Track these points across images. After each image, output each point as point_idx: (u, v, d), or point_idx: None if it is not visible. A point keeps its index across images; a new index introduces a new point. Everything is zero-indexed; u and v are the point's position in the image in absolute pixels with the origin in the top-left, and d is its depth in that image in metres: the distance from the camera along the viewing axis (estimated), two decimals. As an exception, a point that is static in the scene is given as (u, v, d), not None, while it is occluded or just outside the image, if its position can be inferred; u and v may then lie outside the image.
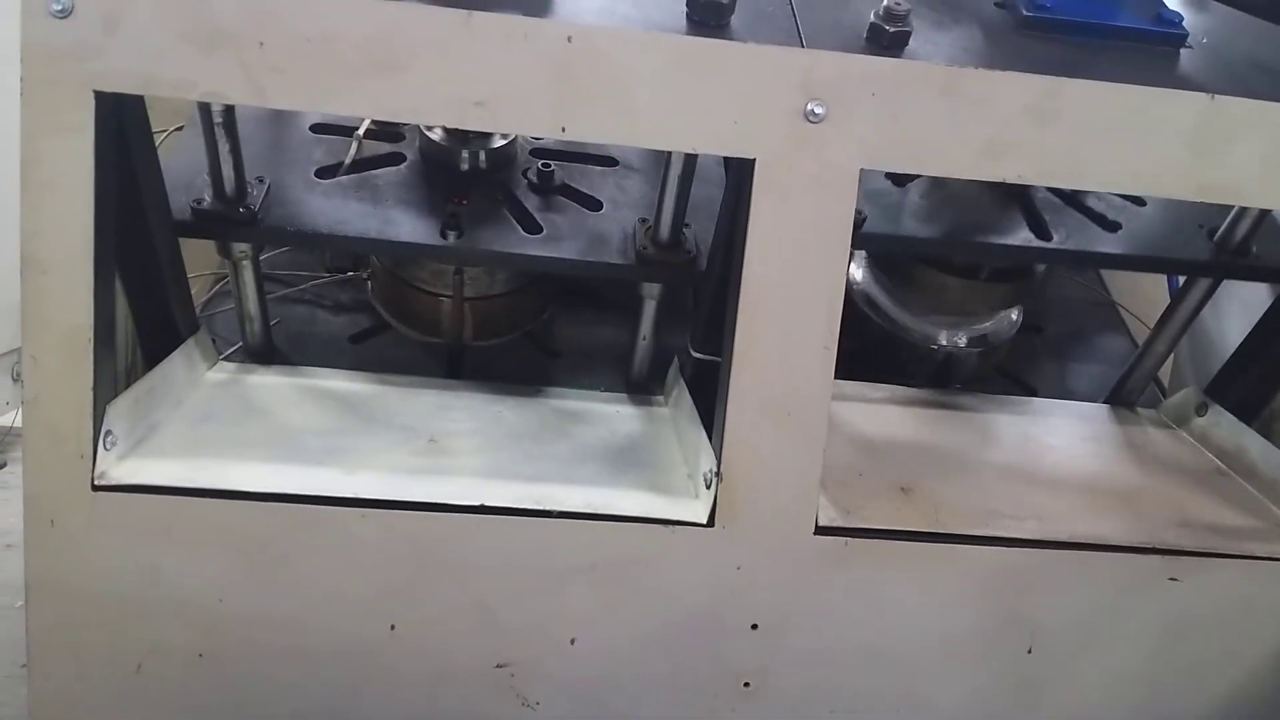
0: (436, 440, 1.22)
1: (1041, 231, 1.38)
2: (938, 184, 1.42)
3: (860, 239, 1.29)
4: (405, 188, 1.37)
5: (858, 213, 1.24)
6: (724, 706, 1.20)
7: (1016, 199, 1.43)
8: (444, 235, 1.29)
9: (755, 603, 1.16)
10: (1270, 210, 1.36)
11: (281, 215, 1.28)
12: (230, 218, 1.25)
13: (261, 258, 1.36)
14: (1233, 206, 1.38)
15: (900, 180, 1.42)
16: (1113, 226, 1.42)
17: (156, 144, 1.16)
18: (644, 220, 1.34)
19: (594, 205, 1.40)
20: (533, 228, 1.34)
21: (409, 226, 1.30)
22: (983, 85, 1.02)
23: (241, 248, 1.30)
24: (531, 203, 1.38)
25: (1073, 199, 1.46)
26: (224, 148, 1.21)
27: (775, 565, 1.14)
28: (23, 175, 0.98)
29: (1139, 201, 1.47)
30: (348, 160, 1.37)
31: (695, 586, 1.14)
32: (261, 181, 1.30)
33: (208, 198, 1.25)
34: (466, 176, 1.40)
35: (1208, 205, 1.39)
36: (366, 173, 1.38)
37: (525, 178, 1.42)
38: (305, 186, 1.34)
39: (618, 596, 1.14)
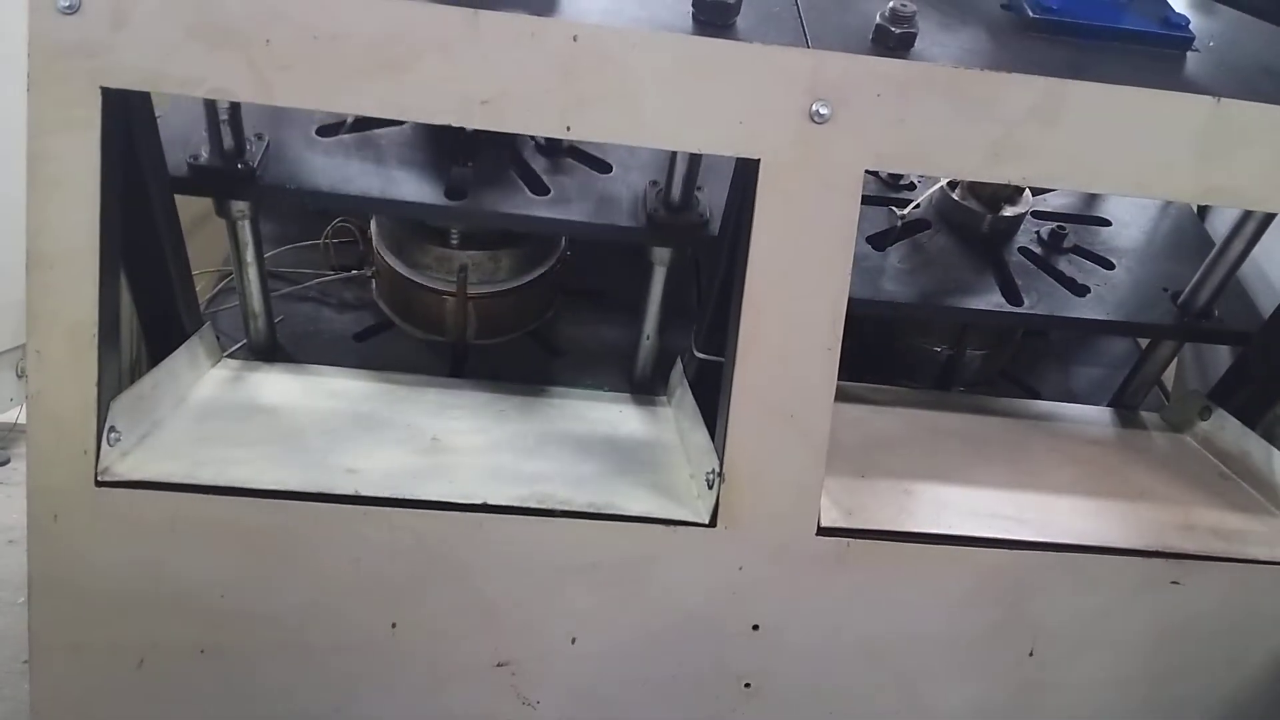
0: (439, 439, 1.22)
1: (1013, 296, 1.42)
2: (916, 248, 1.46)
3: None
4: (409, 148, 1.34)
5: None
6: (725, 707, 1.20)
7: (990, 263, 1.47)
8: (449, 196, 1.26)
9: (757, 603, 1.16)
10: (1234, 273, 1.40)
11: (281, 173, 1.25)
12: (228, 174, 1.22)
13: (266, 256, 1.35)
14: (1196, 271, 1.43)
15: (879, 245, 1.45)
16: (1081, 291, 1.46)
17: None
18: (655, 183, 1.31)
19: (603, 168, 1.37)
20: (540, 189, 1.31)
21: (413, 187, 1.27)
22: (988, 87, 1.02)
23: (240, 206, 1.27)
24: (539, 164, 1.35)
25: (1045, 264, 1.50)
26: (223, 104, 1.18)
27: (777, 566, 1.13)
28: (29, 171, 0.98)
29: (1108, 265, 1.52)
30: (350, 118, 1.33)
31: (697, 586, 1.14)
32: (261, 139, 1.27)
33: (205, 154, 1.22)
34: (472, 137, 1.36)
35: (1173, 268, 1.50)
36: (369, 132, 1.35)
37: (533, 139, 1.39)
38: (306, 144, 1.31)
39: (619, 596, 1.14)
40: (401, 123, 1.38)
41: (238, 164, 1.23)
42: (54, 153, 0.98)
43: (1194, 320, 1.43)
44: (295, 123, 1.35)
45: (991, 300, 1.41)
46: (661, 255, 1.31)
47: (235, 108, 1.20)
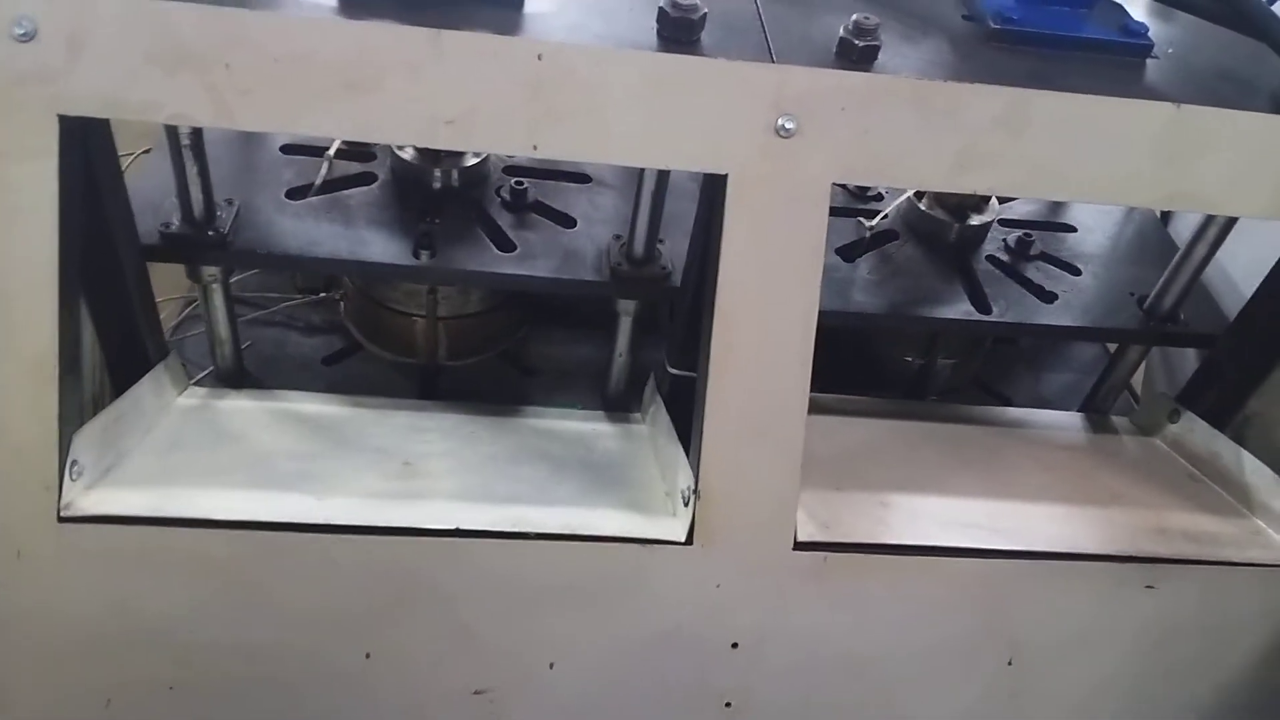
0: (411, 463, 1.21)
1: (981, 304, 1.43)
2: (884, 259, 1.48)
3: None
4: (377, 208, 1.36)
5: None
6: (706, 726, 1.19)
7: (959, 271, 1.49)
8: (417, 255, 1.29)
9: (735, 621, 1.15)
10: (1199, 277, 1.42)
11: (251, 237, 1.27)
12: (199, 241, 1.24)
13: (232, 280, 1.34)
14: (1160, 275, 1.45)
15: (848, 256, 1.46)
16: (1050, 298, 1.47)
17: (123, 167, 1.14)
18: (618, 236, 1.34)
19: (568, 222, 1.40)
20: (506, 246, 1.34)
21: (381, 247, 1.29)
22: (952, 98, 1.02)
23: (211, 271, 1.29)
24: (505, 220, 1.38)
25: (1012, 271, 1.51)
26: (192, 170, 1.20)
27: (755, 582, 1.13)
28: (-16, 201, 0.97)
29: (1074, 271, 1.53)
30: (318, 181, 1.36)
31: (675, 606, 1.13)
32: (231, 203, 1.29)
33: (176, 220, 1.24)
34: (439, 195, 1.40)
35: (1138, 272, 1.52)
36: (338, 193, 1.37)
37: (498, 195, 1.42)
38: (276, 208, 1.32)
39: (596, 618, 1.13)
40: (370, 182, 1.40)
41: (209, 230, 1.24)
42: (10, 182, 0.96)
43: (1160, 324, 1.45)
44: (264, 185, 1.36)
45: (961, 309, 1.42)
46: (626, 306, 1.35)
47: (205, 172, 1.21)
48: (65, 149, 0.96)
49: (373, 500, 1.12)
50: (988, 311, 1.42)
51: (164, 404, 1.26)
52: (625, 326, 1.37)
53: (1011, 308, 1.44)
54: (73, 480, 1.04)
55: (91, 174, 1.06)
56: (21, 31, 0.92)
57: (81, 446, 1.06)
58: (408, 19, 0.97)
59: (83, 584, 1.06)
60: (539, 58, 0.96)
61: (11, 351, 1.00)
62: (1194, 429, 1.43)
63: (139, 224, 1.19)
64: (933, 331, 1.53)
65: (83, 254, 1.04)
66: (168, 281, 1.46)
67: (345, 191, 1.38)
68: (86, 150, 1.03)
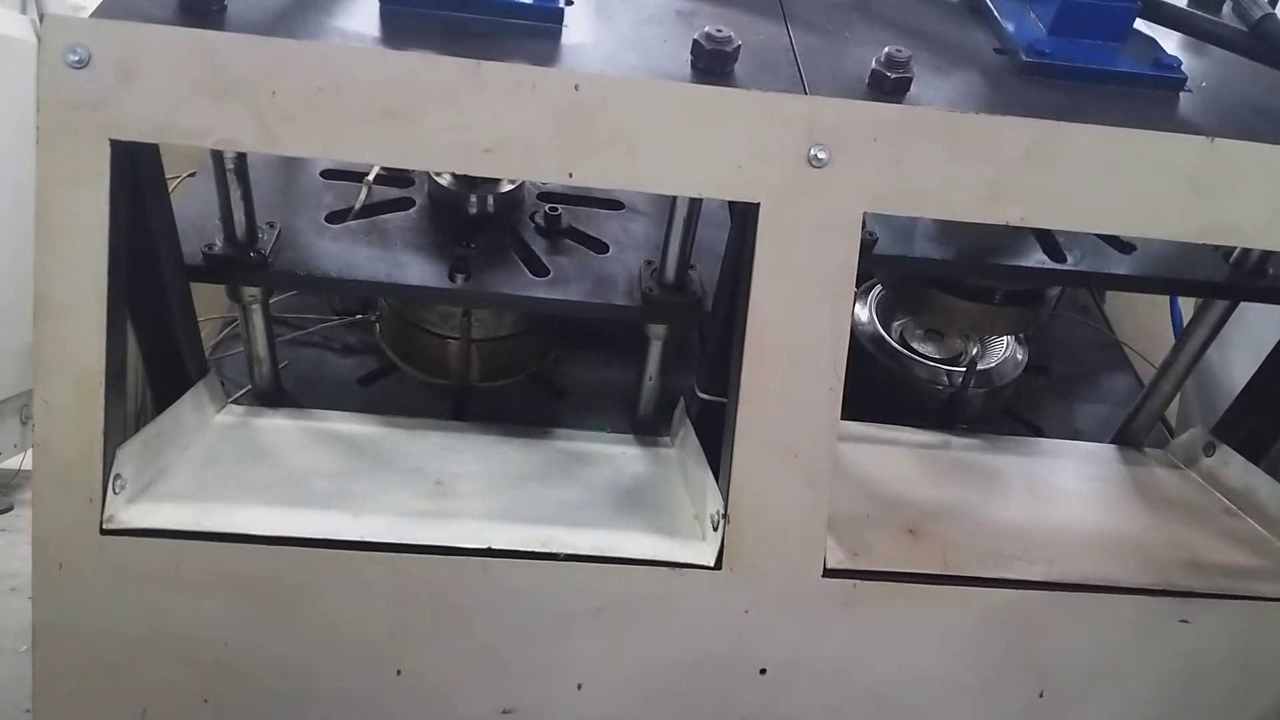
0: (443, 483, 1.22)
1: (1055, 253, 1.36)
2: None
3: (872, 260, 1.29)
4: (414, 232, 1.39)
5: (869, 234, 1.24)
6: (732, 752, 1.19)
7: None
8: (452, 278, 1.31)
9: (763, 646, 1.15)
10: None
11: (292, 259, 1.30)
12: (241, 262, 1.27)
13: (271, 301, 1.37)
14: None
15: None
16: (1127, 248, 1.40)
17: (170, 190, 1.17)
18: (649, 262, 1.35)
19: (600, 248, 1.41)
20: (540, 270, 1.35)
21: (418, 270, 1.32)
22: (984, 130, 1.03)
23: (251, 291, 1.32)
24: (539, 246, 1.40)
25: None
26: (235, 193, 1.22)
27: (783, 608, 1.13)
28: (38, 221, 1.00)
29: None
30: (357, 205, 1.38)
31: (703, 630, 1.14)
32: (272, 226, 1.32)
33: (219, 242, 1.27)
34: (475, 220, 1.42)
35: None
36: (376, 217, 1.40)
37: (532, 221, 1.44)
38: (316, 231, 1.35)
39: (625, 640, 1.14)
40: (408, 207, 1.43)
41: (250, 252, 1.27)
42: (63, 204, 0.99)
43: (1247, 279, 1.36)
44: (305, 209, 1.39)
45: (1034, 258, 1.35)
46: (657, 331, 1.36)
47: (248, 195, 1.24)
48: (116, 173, 1.00)
49: (405, 519, 1.14)
50: (1062, 260, 1.35)
51: (203, 421, 1.28)
52: (655, 351, 1.38)
53: (1086, 257, 1.36)
54: (115, 494, 1.07)
55: (140, 197, 1.09)
56: (75, 59, 0.95)
57: (124, 461, 1.08)
58: (448, 49, 0.99)
59: (122, 596, 1.08)
60: (576, 88, 0.99)
61: (60, 367, 1.03)
62: (1229, 463, 1.42)
63: (183, 245, 1.22)
64: (1004, 280, 1.43)
65: (129, 274, 1.07)
66: (208, 302, 1.48)
67: (383, 216, 1.40)
68: (136, 174, 1.06)
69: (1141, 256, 1.39)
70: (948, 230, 1.36)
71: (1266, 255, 1.37)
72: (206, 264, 1.26)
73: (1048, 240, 1.39)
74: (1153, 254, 1.39)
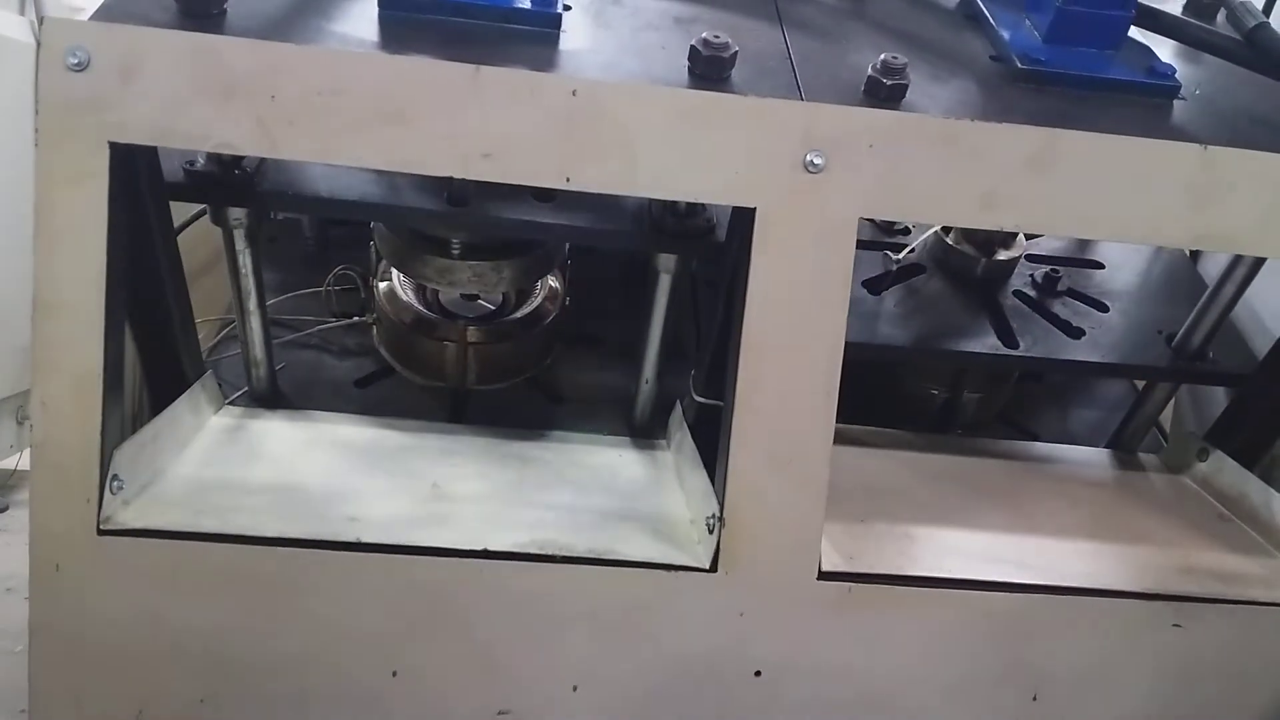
0: (439, 485, 1.23)
1: (1008, 339, 1.43)
2: (911, 292, 1.49)
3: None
4: None
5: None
6: (727, 754, 1.19)
7: (985, 306, 1.49)
8: (451, 203, 1.22)
9: (758, 649, 1.15)
10: (1227, 315, 1.42)
11: (279, 179, 1.22)
12: (225, 181, 1.19)
13: (269, 303, 1.36)
14: (1189, 314, 1.44)
15: (876, 289, 1.47)
16: (1077, 333, 1.47)
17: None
18: None
19: None
20: (545, 195, 1.28)
21: (414, 194, 1.23)
22: (980, 137, 1.04)
23: (236, 215, 1.23)
24: None
25: (1039, 306, 1.52)
26: None
27: (778, 611, 1.13)
28: (37, 222, 1.00)
29: (1102, 307, 1.54)
30: None
31: (698, 633, 1.14)
32: None
33: (201, 160, 1.19)
34: None
35: (1167, 310, 1.52)
36: None
37: None
38: None
39: (620, 643, 1.14)
40: None
41: (235, 170, 1.19)
42: (62, 205, 1.00)
43: (1188, 362, 1.45)
44: None
45: (987, 343, 1.42)
46: (667, 263, 1.28)
47: None
48: (115, 174, 1.00)
49: (402, 521, 1.14)
50: (1014, 346, 1.42)
51: (200, 422, 1.29)
52: (664, 286, 1.29)
53: (1038, 343, 1.44)
54: (113, 494, 1.07)
55: (139, 198, 1.09)
56: (75, 61, 0.96)
57: (122, 461, 1.08)
58: (447, 54, 1.00)
59: (118, 596, 1.09)
60: (574, 93, 0.99)
61: (59, 367, 1.03)
62: (1223, 468, 1.42)
63: (163, 164, 1.16)
64: (959, 366, 1.53)
65: (128, 275, 1.07)
66: (206, 304, 1.49)
67: None
68: (135, 175, 1.07)
69: (1089, 342, 1.46)
70: (908, 315, 1.44)
71: (1207, 339, 1.44)
72: (188, 180, 1.18)
73: (1002, 325, 1.46)
74: (1099, 341, 1.47)
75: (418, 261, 1.39)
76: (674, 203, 1.24)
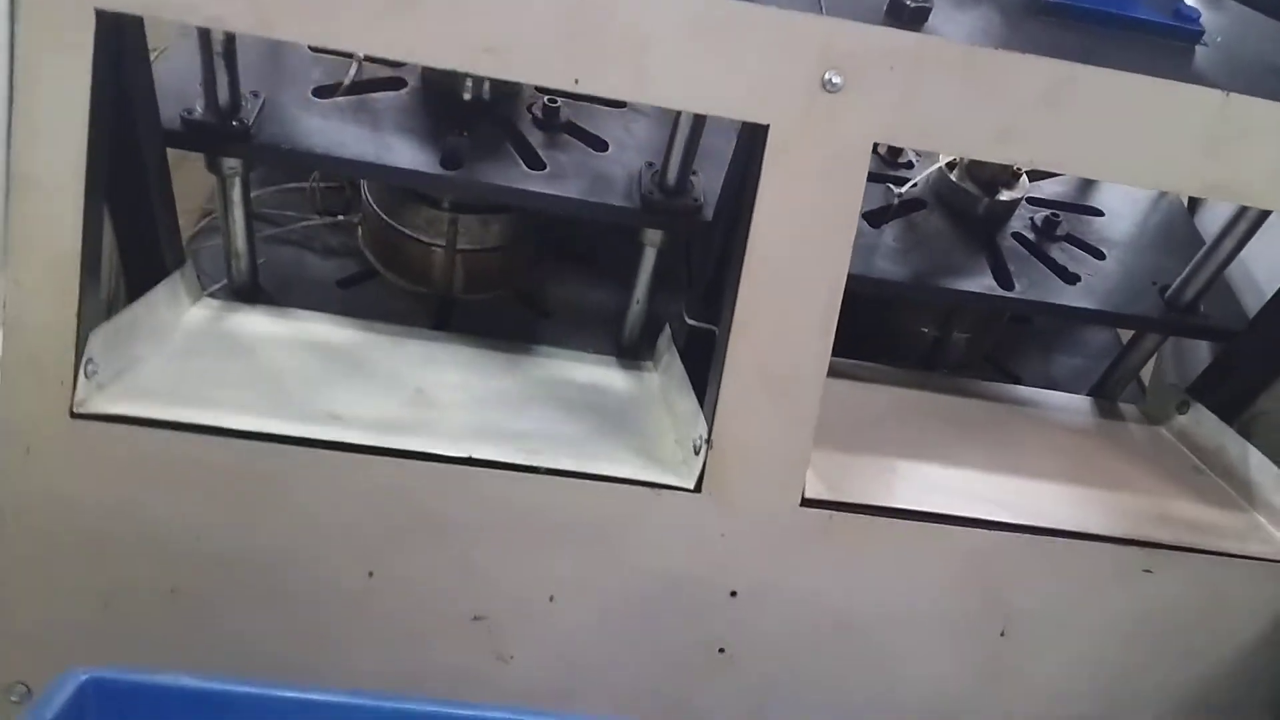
0: (423, 391, 1.21)
1: (1004, 280, 1.43)
2: (910, 227, 1.47)
3: None
4: (405, 114, 1.33)
5: None
6: (699, 671, 1.20)
7: (983, 246, 1.48)
8: (444, 166, 1.25)
9: (736, 570, 1.16)
10: (1223, 271, 1.41)
11: (275, 132, 1.24)
12: (222, 131, 1.21)
13: (253, 195, 1.32)
14: (1186, 266, 1.44)
15: (875, 222, 1.45)
16: (1072, 279, 1.47)
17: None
18: (650, 164, 1.30)
19: (600, 145, 1.36)
20: (535, 164, 1.30)
21: (407, 154, 1.26)
22: (1000, 66, 1.01)
23: (231, 164, 1.25)
24: (535, 138, 1.34)
25: (1037, 250, 1.51)
26: (219, 55, 1.16)
27: (759, 534, 1.14)
28: (16, 93, 0.95)
29: (1099, 254, 1.53)
30: (347, 81, 1.31)
31: (678, 551, 1.14)
32: (256, 96, 1.26)
33: (199, 108, 1.20)
34: (469, 107, 1.36)
35: (1162, 261, 1.52)
36: (365, 95, 1.34)
37: (530, 112, 1.38)
38: (301, 105, 1.29)
39: (600, 556, 1.14)
40: (399, 87, 1.37)
41: (232, 121, 1.21)
42: (44, 74, 0.95)
43: (1180, 315, 1.45)
44: (292, 81, 1.32)
45: (983, 283, 1.41)
46: (653, 237, 1.31)
47: (232, 62, 1.18)
48: (100, 45, 0.95)
49: (385, 424, 1.12)
50: (1010, 288, 1.41)
51: (178, 312, 1.25)
52: (649, 259, 1.33)
53: (1033, 286, 1.43)
54: (87, 378, 1.04)
55: (122, 71, 1.04)
56: (64, -80, 0.90)
57: (97, 346, 1.05)
58: (457, -61, 0.95)
59: (90, 483, 1.06)
60: (587, -10, 0.95)
61: (35, 245, 0.99)
62: (1202, 421, 1.44)
63: (161, 110, 1.16)
64: (952, 304, 1.52)
65: (109, 153, 1.03)
66: (186, 192, 1.44)
67: (373, 95, 1.34)
68: (120, 48, 1.02)
69: (1084, 289, 1.46)
70: (906, 251, 1.42)
71: (1200, 293, 1.44)
72: (185, 129, 1.20)
73: (999, 266, 1.45)
74: (1094, 288, 1.46)
75: (405, 209, 1.42)
76: (664, 179, 1.26)
